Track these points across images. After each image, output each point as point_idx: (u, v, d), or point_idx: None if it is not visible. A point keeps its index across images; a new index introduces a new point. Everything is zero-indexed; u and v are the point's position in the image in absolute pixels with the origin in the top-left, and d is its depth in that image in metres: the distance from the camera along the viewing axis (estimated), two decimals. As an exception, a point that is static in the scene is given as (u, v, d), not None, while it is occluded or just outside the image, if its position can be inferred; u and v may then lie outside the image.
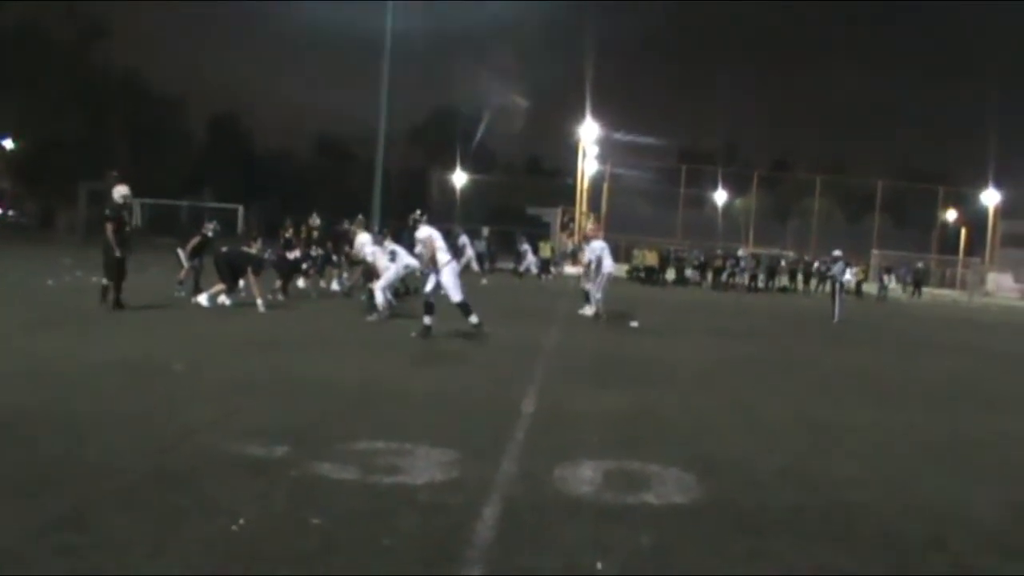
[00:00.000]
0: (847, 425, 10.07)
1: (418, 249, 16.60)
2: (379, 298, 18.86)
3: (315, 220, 28.36)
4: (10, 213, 76.03)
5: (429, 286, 16.03)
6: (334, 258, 25.98)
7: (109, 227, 17.19)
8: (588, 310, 22.51)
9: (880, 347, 21.28)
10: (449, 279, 15.94)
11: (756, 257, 53.01)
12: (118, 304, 17.02)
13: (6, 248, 41.57)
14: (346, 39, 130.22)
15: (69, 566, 4.83)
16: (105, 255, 17.23)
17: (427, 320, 15.86)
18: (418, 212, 16.87)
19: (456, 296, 15.96)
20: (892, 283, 52.12)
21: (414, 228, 16.50)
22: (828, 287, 34.79)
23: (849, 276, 28.94)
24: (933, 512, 6.80)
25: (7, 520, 5.37)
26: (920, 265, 57.01)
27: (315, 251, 25.29)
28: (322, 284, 25.60)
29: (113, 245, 17.10)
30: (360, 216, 27.14)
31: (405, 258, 19.51)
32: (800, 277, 51.36)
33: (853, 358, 17.90)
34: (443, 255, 16.08)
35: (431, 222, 16.61)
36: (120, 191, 17.87)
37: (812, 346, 20.15)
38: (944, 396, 13.31)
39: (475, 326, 15.88)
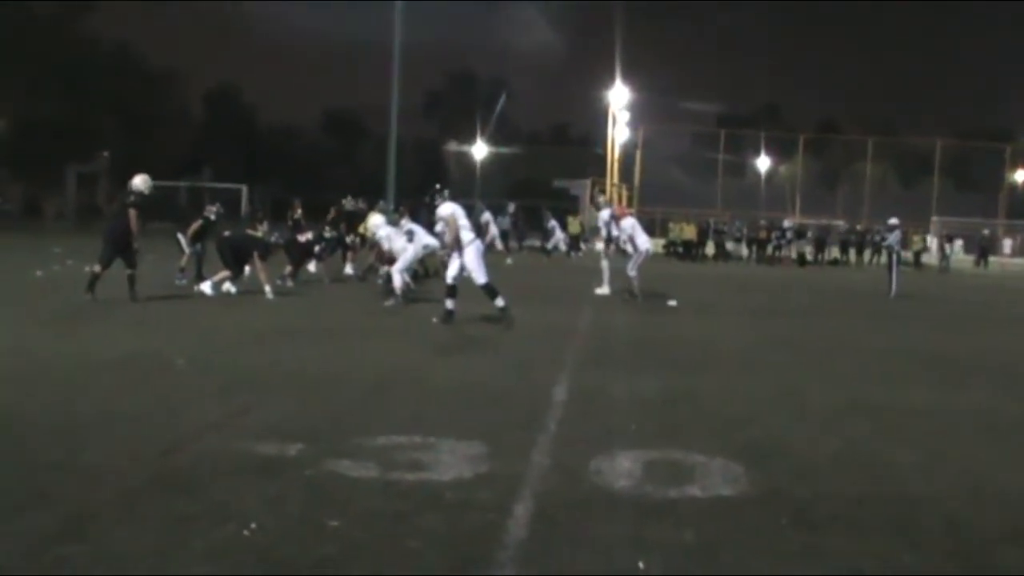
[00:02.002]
0: (907, 408, 10.02)
1: (439, 228, 16.57)
2: (397, 281, 18.85)
3: (349, 202, 28.12)
4: None
5: (453, 270, 15.99)
6: (348, 240, 26.01)
7: (133, 213, 17.23)
8: (604, 289, 22.69)
9: (942, 323, 21.16)
10: (473, 259, 15.89)
11: (799, 228, 52.79)
12: (134, 297, 17.15)
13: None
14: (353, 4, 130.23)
15: (68, 581, 4.85)
16: (112, 243, 17.23)
17: (449, 304, 15.86)
18: (438, 187, 16.83)
19: (481, 278, 15.92)
20: (958, 252, 51.72)
21: (434, 205, 16.46)
22: (884, 259, 34.61)
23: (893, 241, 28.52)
24: (1005, 502, 6.74)
25: (1, 532, 5.38)
26: (986, 232, 56.51)
27: (328, 233, 25.31)
28: (348, 270, 25.66)
29: (135, 235, 17.18)
30: (382, 202, 27.20)
31: (423, 238, 19.49)
32: (852, 248, 51.09)
33: (912, 336, 17.81)
34: (467, 233, 16.03)
35: (451, 198, 16.54)
36: (144, 180, 17.87)
37: (867, 323, 20.07)
38: (1014, 376, 13.17)
39: (501, 310, 15.84)
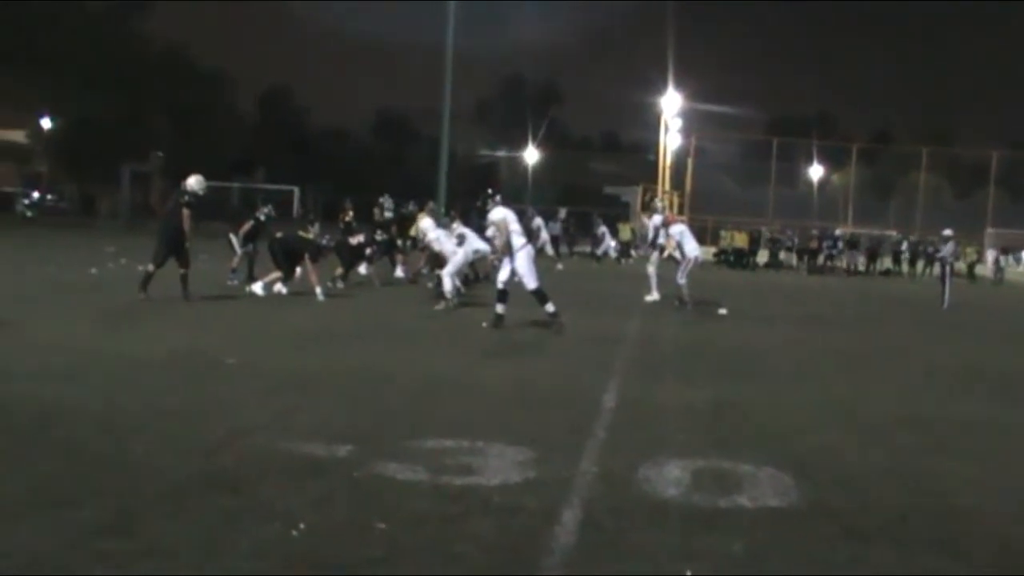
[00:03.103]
0: (958, 422, 9.93)
1: (490, 232, 16.56)
2: (447, 285, 18.86)
3: (388, 203, 28.16)
4: (48, 197, 77.17)
5: (503, 275, 15.97)
6: (399, 243, 26.09)
7: (187, 213, 17.36)
8: (654, 295, 22.65)
9: (996, 336, 20.92)
10: (524, 264, 15.85)
11: (851, 237, 52.34)
12: (187, 296, 17.28)
13: (45, 235, 42.23)
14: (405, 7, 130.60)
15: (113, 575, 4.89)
16: (166, 242, 17.36)
17: (499, 309, 15.84)
18: (490, 191, 16.82)
19: (531, 283, 15.88)
20: (1016, 263, 51.01)
21: (485, 209, 16.45)
22: (936, 270, 34.29)
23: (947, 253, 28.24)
24: (1056, 519, 6.67)
25: (47, 525, 5.42)
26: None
27: (380, 236, 25.38)
28: (399, 273, 25.74)
29: (188, 235, 17.32)
30: (431, 203, 27.29)
31: (474, 242, 19.50)
32: (905, 259, 50.63)
33: (965, 348, 17.64)
34: (518, 239, 15.99)
35: (502, 203, 16.49)
36: (199, 181, 17.99)
37: (918, 335, 19.90)
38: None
39: (551, 315, 15.79)
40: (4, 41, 62.82)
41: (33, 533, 5.30)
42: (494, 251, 16.51)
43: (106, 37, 70.46)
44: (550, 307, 15.81)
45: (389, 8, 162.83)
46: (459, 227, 20.26)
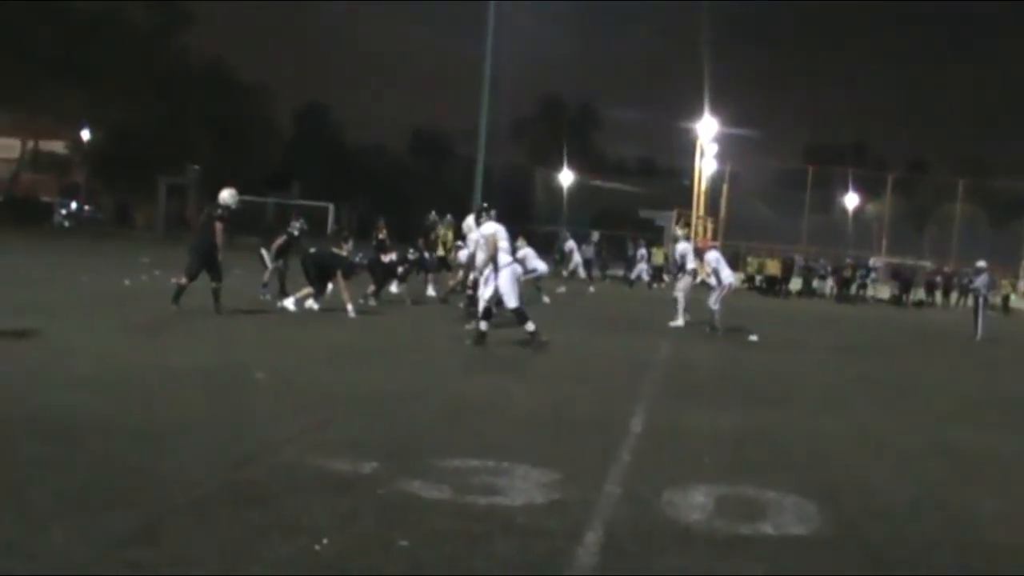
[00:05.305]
0: (989, 453, 9.87)
1: (477, 248, 16.76)
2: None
3: (434, 218, 28.40)
4: (85, 208, 77.72)
5: (488, 292, 16.00)
6: (426, 255, 26.08)
7: (220, 227, 17.50)
8: (679, 321, 22.56)
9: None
10: (507, 283, 15.93)
11: (892, 268, 52.12)
12: (219, 309, 17.35)
13: (81, 245, 42.50)
14: (442, 22, 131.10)
15: (140, 583, 4.91)
16: (199, 255, 17.49)
17: (483, 326, 15.93)
18: (485, 204, 16.92)
19: (512, 302, 15.95)
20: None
21: (479, 221, 16.59)
22: (970, 301, 34.09)
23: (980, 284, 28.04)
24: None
25: (76, 533, 5.45)
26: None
27: (412, 254, 25.39)
28: (430, 292, 25.80)
29: (220, 247, 17.45)
30: (449, 216, 27.39)
31: (533, 260, 19.61)
32: (939, 290, 50.36)
33: (997, 380, 17.55)
34: (504, 256, 16.11)
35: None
36: (232, 194, 18.15)
37: (951, 366, 19.81)
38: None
39: (531, 334, 15.82)
40: (46, 53, 63.34)
41: (62, 539, 5.34)
42: (480, 269, 16.53)
43: (148, 50, 70.96)
44: (530, 326, 15.83)
45: (428, 28, 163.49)
46: (524, 246, 20.39)
